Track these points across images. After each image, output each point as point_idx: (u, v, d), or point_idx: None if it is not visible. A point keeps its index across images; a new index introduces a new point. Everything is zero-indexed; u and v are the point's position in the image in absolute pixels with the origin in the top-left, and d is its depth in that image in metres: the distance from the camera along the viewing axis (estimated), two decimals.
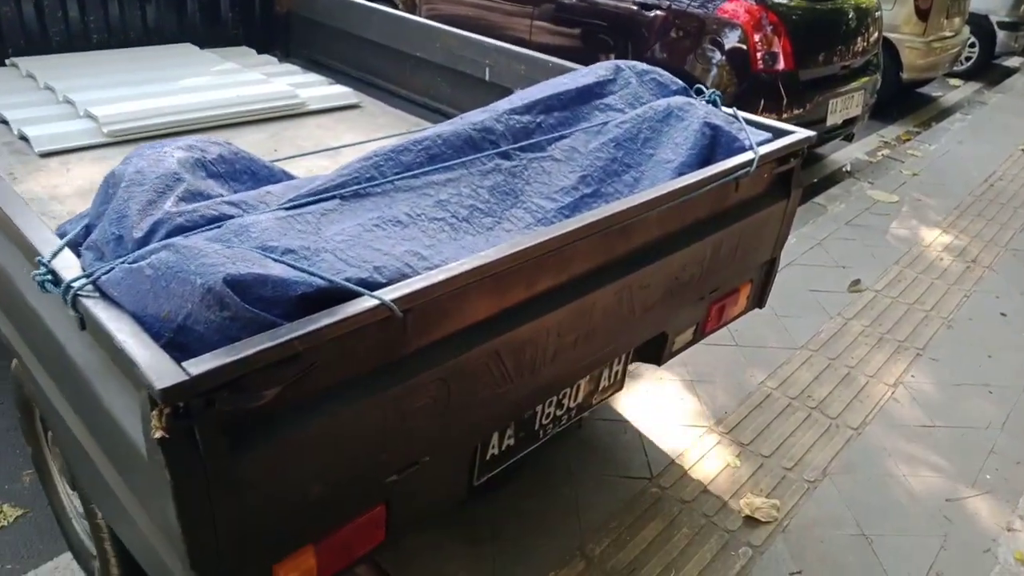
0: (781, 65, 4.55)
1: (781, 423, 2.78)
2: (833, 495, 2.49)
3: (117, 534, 1.64)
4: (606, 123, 2.15)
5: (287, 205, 1.44)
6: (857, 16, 5.08)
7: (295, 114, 3.27)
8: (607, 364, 2.10)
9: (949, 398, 3.03)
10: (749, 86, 4.52)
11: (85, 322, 1.19)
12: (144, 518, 1.33)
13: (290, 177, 1.80)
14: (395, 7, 6.17)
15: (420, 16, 5.99)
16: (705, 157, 2.10)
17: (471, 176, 1.79)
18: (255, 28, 4.16)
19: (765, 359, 3.14)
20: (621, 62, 2.40)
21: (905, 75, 6.78)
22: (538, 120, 2.06)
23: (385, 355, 1.34)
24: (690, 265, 2.04)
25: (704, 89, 2.46)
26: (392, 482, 1.49)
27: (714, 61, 4.57)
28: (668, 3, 4.67)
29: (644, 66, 2.43)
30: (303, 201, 1.47)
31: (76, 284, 1.19)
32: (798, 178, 2.36)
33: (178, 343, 1.16)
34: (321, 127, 3.20)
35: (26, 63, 3.34)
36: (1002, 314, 3.69)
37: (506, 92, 2.32)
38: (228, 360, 1.07)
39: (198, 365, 1.05)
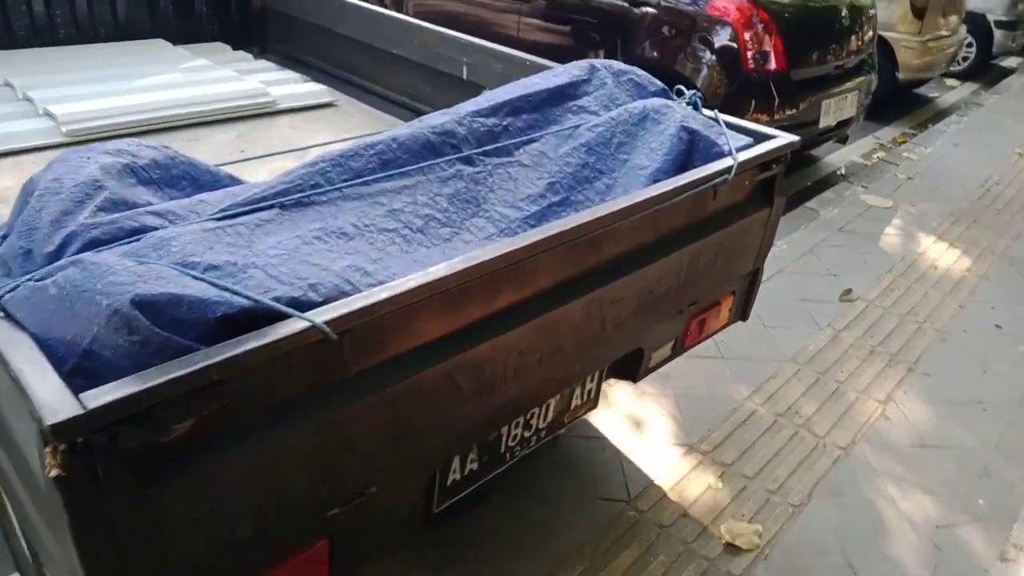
0: (772, 64, 4.43)
1: (766, 442, 2.67)
2: (818, 520, 2.37)
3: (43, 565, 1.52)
4: (578, 126, 2.03)
5: (219, 215, 1.32)
6: (851, 15, 4.96)
7: (266, 113, 3.15)
8: (578, 382, 1.98)
9: (942, 416, 2.92)
10: (740, 86, 4.41)
11: None
12: (58, 554, 1.21)
13: (238, 182, 1.68)
14: (382, 3, 6.07)
15: (408, 12, 5.88)
16: (682, 163, 1.98)
17: (429, 183, 1.67)
18: (231, 24, 4.03)
19: (751, 373, 3.03)
20: (597, 61, 2.28)
21: (901, 75, 6.67)
22: (505, 123, 1.93)
23: (321, 380, 1.22)
24: (665, 277, 1.93)
25: (684, 90, 2.35)
26: (335, 515, 1.37)
27: (704, 60, 4.46)
28: (658, 1, 4.55)
29: (621, 66, 2.31)
30: (237, 211, 1.35)
31: None
32: (782, 185, 2.24)
33: (84, 369, 1.05)
34: (293, 127, 3.07)
35: None
36: (997, 326, 3.58)
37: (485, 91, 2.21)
38: (131, 391, 0.95)
39: (97, 397, 0.93)
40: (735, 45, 4.36)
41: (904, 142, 6.21)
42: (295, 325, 1.11)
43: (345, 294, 1.24)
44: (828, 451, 2.66)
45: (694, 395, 2.86)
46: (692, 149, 2.02)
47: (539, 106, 2.05)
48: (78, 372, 1.04)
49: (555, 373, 1.76)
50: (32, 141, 2.61)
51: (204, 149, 2.74)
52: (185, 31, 3.88)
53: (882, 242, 4.28)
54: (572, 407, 2.03)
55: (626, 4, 4.66)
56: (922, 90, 7.83)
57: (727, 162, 1.92)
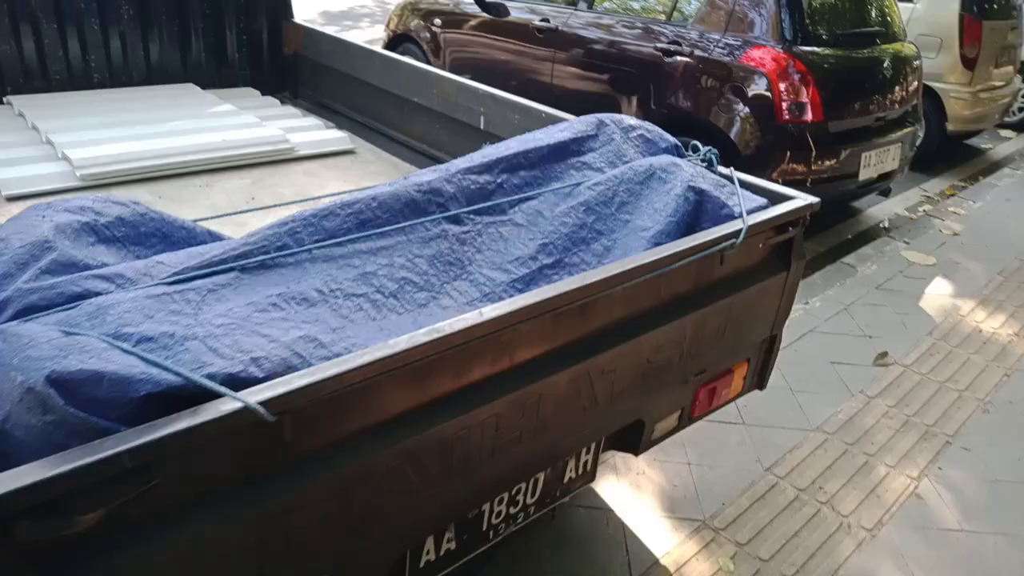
0: (809, 116, 4.31)
1: (785, 520, 2.49)
2: None
3: None
4: (579, 184, 1.94)
5: (170, 279, 1.26)
6: (894, 65, 4.82)
7: (284, 159, 3.14)
8: (571, 456, 1.87)
9: (981, 496, 2.70)
10: (774, 137, 4.29)
11: None
12: None
13: (218, 238, 1.63)
14: (424, 53, 6.14)
15: (445, 60, 5.93)
16: (688, 225, 1.88)
17: (409, 243, 1.59)
18: (262, 70, 4.08)
19: (774, 442, 2.86)
20: (605, 116, 2.20)
21: (950, 126, 6.46)
22: (499, 180, 1.86)
23: (259, 465, 1.14)
24: (666, 346, 1.81)
25: (700, 146, 2.26)
26: None
27: (737, 111, 4.35)
28: (691, 49, 4.48)
29: (632, 120, 2.23)
30: (192, 274, 1.28)
31: None
32: (800, 248, 2.11)
33: None
34: (308, 174, 3.06)
35: (20, 102, 3.28)
36: None
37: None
38: (30, 481, 0.88)
39: None
40: (770, 96, 4.26)
41: (952, 195, 5.97)
42: (226, 405, 1.03)
43: (292, 369, 1.16)
44: (853, 532, 2.47)
45: (710, 464, 2.71)
46: (700, 210, 1.91)
47: (538, 163, 1.97)
48: None
49: (541, 449, 1.65)
50: (47, 185, 2.64)
51: (215, 195, 2.73)
52: (218, 76, 3.95)
53: (923, 302, 4.07)
54: (566, 481, 1.91)
55: (659, 53, 4.60)
56: (974, 141, 7.57)
57: (736, 225, 1.81)
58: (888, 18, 5.05)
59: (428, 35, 6.06)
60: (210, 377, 1.07)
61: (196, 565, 1.10)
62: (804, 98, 4.31)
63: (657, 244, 1.77)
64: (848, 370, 3.36)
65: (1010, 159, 7.17)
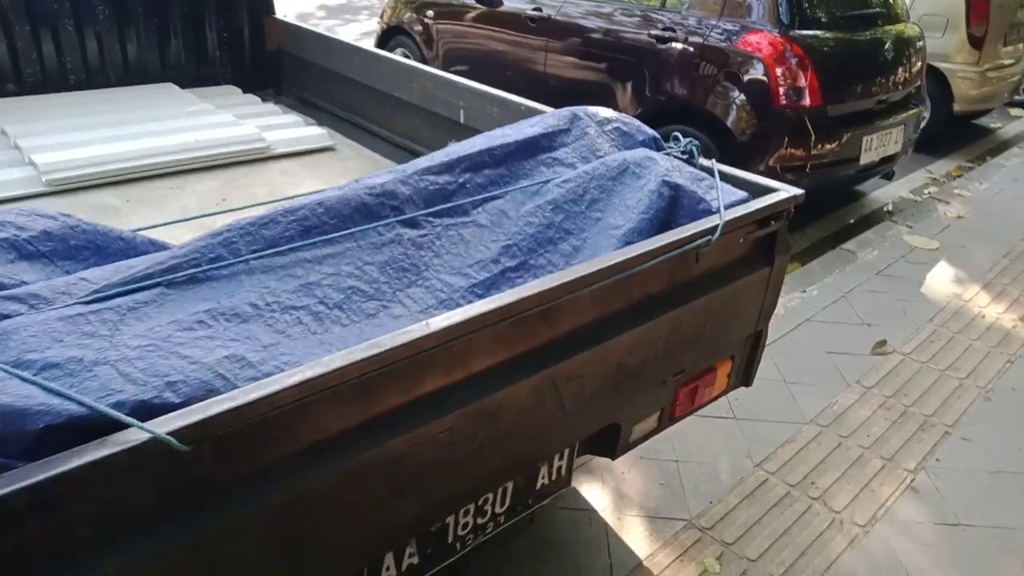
0: (807, 101, 4.20)
1: (775, 517, 2.42)
2: None
3: None
4: (548, 182, 1.87)
5: (88, 298, 1.20)
6: (896, 47, 4.70)
7: (260, 158, 3.08)
8: (542, 463, 1.80)
9: (981, 489, 2.62)
10: (772, 123, 4.19)
11: None
12: None
13: (161, 248, 1.57)
14: (417, 45, 6.06)
15: (438, 53, 5.85)
16: (663, 221, 1.80)
17: (359, 250, 1.52)
18: (244, 67, 4.02)
19: (766, 436, 2.78)
20: (579, 109, 2.12)
21: (957, 107, 6.32)
22: (461, 180, 1.78)
23: (181, 496, 1.07)
24: (639, 349, 1.73)
25: (680, 137, 2.17)
26: None
27: (734, 97, 4.25)
28: (686, 35, 4.38)
29: (608, 113, 2.15)
30: (114, 292, 1.22)
31: None
32: (785, 242, 2.02)
33: None
34: (285, 173, 3.00)
35: None
36: None
37: None
38: None
39: None
40: (766, 81, 4.15)
41: (959, 176, 5.84)
42: (133, 436, 0.97)
43: (214, 392, 1.09)
44: (845, 529, 2.39)
45: (698, 461, 2.63)
46: (675, 206, 1.84)
47: (504, 160, 1.90)
48: None
49: (504, 460, 1.58)
50: (12, 191, 2.58)
51: (184, 197, 2.68)
52: (198, 75, 3.89)
53: (924, 288, 3.97)
54: (538, 488, 1.84)
55: (653, 40, 4.50)
56: (982, 120, 7.41)
57: (713, 221, 1.73)
58: None
59: (420, 27, 5.98)
60: (119, 405, 1.01)
61: None
62: (802, 83, 4.21)
63: (628, 243, 1.69)
64: (845, 360, 3.28)
65: (1019, 138, 7.02)
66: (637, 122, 2.16)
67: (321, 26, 10.48)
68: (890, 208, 5.19)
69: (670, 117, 4.48)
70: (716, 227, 1.70)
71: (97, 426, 0.97)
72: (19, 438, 0.94)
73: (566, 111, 2.11)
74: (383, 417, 1.28)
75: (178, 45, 3.80)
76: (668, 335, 1.79)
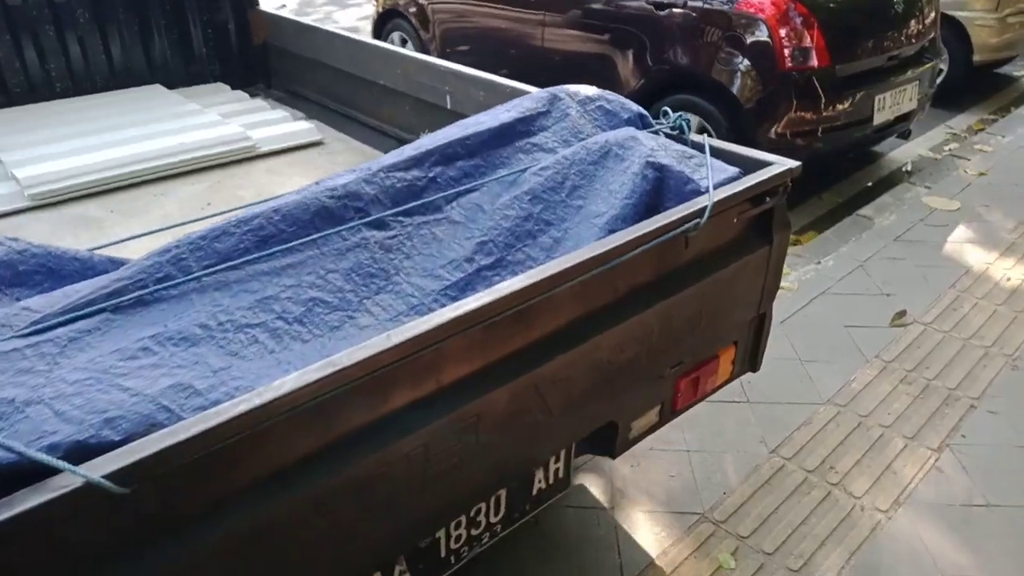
0: (814, 61, 4.03)
1: (792, 506, 2.31)
2: None
3: None
4: (525, 170, 1.76)
5: (27, 331, 1.12)
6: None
7: (246, 158, 3.00)
8: (536, 468, 1.72)
9: (1009, 466, 2.49)
10: (778, 87, 4.03)
11: None
12: None
13: (118, 265, 1.49)
14: (412, 27, 5.95)
15: (435, 32, 5.73)
16: (649, 206, 1.69)
17: (321, 258, 1.43)
18: (233, 63, 3.93)
19: (781, 419, 2.67)
20: (559, 89, 2.01)
21: (977, 57, 6.07)
22: (431, 175, 1.68)
23: (129, 538, 1.00)
24: (629, 344, 1.63)
25: (670, 111, 2.06)
26: None
27: (737, 63, 4.09)
28: (684, 0, 4.21)
29: (591, 91, 2.03)
30: (55, 322, 1.15)
31: None
32: (783, 218, 1.91)
33: None
34: (271, 171, 2.91)
35: None
36: None
37: None
38: None
39: None
40: (770, 43, 3.99)
41: (981, 130, 5.62)
42: (66, 481, 0.90)
43: (157, 426, 1.02)
44: (866, 516, 2.29)
45: (710, 450, 2.53)
46: (662, 188, 1.73)
47: (479, 149, 1.79)
48: None
49: (490, 470, 1.50)
50: None
51: (168, 204, 2.61)
52: (186, 74, 3.81)
53: (945, 252, 3.80)
54: (535, 493, 1.76)
55: (650, 6, 4.34)
56: (1005, 69, 7.12)
57: (702, 202, 1.62)
58: None
59: (415, 8, 5.86)
60: (52, 448, 0.94)
61: None
62: (808, 43, 4.04)
63: (612, 231, 1.59)
64: (863, 333, 3.14)
65: None
66: (622, 99, 2.05)
67: (320, 12, 10.39)
68: (909, 168, 5.00)
69: (675, 87, 4.34)
70: (704, 209, 1.59)
71: (30, 472, 0.91)
72: None
73: (545, 92, 2.00)
74: (347, 438, 1.20)
75: (163, 45, 3.72)
76: (661, 327, 1.69)
